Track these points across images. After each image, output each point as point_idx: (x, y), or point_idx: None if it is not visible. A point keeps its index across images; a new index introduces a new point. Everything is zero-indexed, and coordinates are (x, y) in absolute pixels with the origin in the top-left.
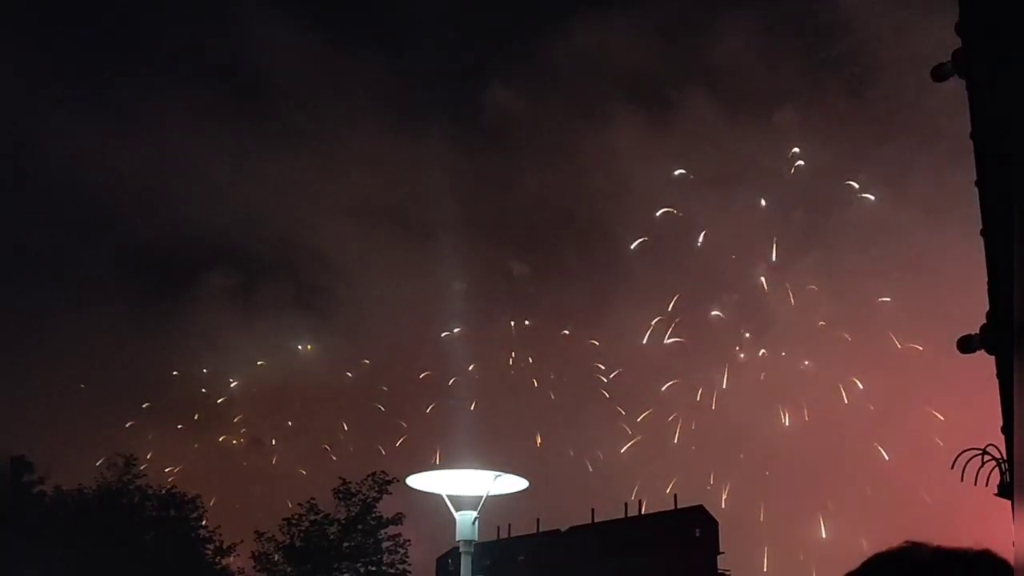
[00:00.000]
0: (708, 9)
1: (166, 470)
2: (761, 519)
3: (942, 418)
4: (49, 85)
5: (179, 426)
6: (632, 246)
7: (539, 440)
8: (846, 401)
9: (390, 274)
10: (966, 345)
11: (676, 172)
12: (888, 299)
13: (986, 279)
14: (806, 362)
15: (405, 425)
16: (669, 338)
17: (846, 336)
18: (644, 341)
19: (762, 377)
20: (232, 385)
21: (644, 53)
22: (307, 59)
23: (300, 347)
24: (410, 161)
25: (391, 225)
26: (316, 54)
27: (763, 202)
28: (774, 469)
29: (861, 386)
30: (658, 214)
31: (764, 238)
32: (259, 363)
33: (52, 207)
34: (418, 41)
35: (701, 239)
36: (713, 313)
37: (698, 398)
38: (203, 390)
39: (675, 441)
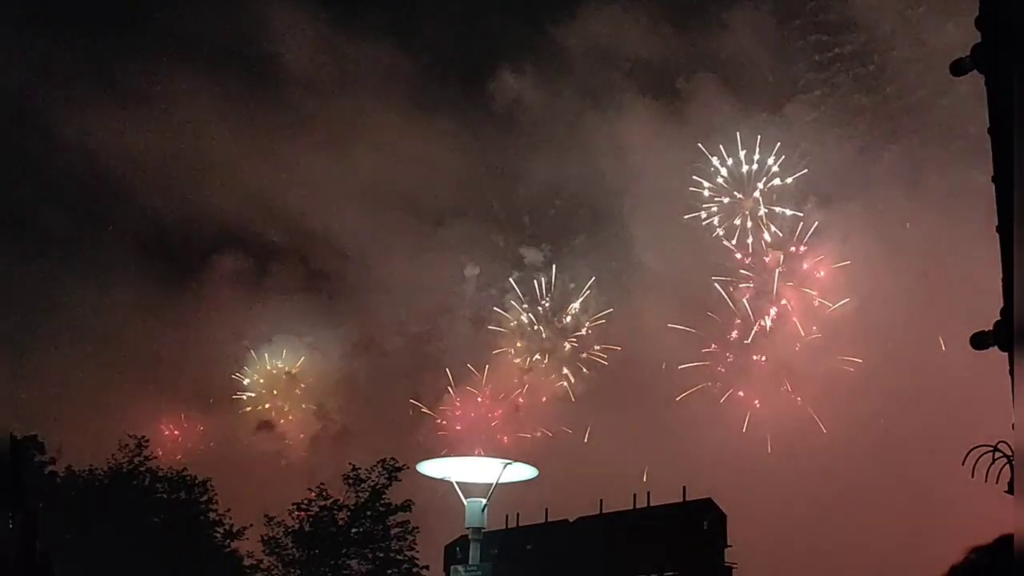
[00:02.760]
0: (719, 0)
1: (178, 458)
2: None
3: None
4: (63, 68)
5: (190, 409)
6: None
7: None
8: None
9: (401, 260)
10: (979, 342)
11: (687, 165)
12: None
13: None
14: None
15: (424, 409)
16: (681, 333)
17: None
18: (656, 332)
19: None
20: (244, 369)
21: (655, 42)
22: (317, 44)
23: (309, 337)
24: (420, 147)
25: (401, 211)
26: (326, 39)
27: (774, 196)
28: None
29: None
30: (663, 223)
31: (775, 231)
32: (270, 341)
33: (68, 189)
34: (428, 27)
35: (715, 231)
36: (715, 322)
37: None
38: (214, 373)
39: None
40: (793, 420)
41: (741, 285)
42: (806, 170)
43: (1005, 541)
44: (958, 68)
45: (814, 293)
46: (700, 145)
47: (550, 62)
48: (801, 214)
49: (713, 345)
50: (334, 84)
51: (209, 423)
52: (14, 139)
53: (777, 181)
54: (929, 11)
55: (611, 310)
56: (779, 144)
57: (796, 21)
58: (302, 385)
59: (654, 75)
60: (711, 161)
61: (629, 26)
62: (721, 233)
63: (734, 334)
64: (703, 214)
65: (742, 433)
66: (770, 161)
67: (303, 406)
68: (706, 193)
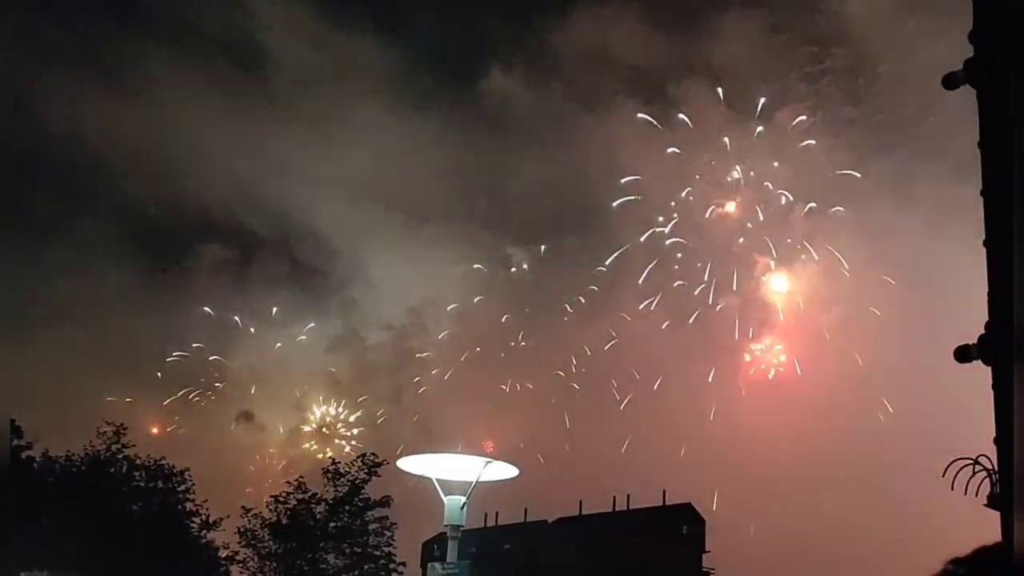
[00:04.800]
0: (712, 7)
1: (153, 454)
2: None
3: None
4: (51, 54)
5: (170, 398)
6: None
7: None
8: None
9: (386, 256)
10: (963, 355)
11: (677, 169)
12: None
13: (986, 290)
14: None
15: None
16: (667, 333)
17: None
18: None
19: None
20: (226, 360)
21: (646, 46)
22: (308, 37)
23: (299, 335)
24: (408, 144)
25: (388, 207)
26: (317, 33)
27: (762, 203)
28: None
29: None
30: (643, 238)
31: (764, 239)
32: (252, 331)
33: (55, 173)
34: (419, 25)
35: (702, 239)
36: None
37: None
38: (194, 361)
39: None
40: (776, 429)
41: (729, 291)
42: (795, 179)
43: (983, 552)
44: (951, 81)
45: (807, 303)
46: (688, 150)
47: (541, 63)
48: (794, 229)
49: (697, 352)
50: (324, 79)
51: (186, 412)
52: (3, 123)
53: (766, 188)
54: (919, 28)
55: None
56: (768, 152)
57: (788, 33)
58: (286, 377)
59: (645, 79)
60: (699, 166)
61: (621, 30)
62: (707, 239)
63: (719, 341)
64: (693, 219)
65: (725, 441)
66: (759, 168)
67: (283, 398)
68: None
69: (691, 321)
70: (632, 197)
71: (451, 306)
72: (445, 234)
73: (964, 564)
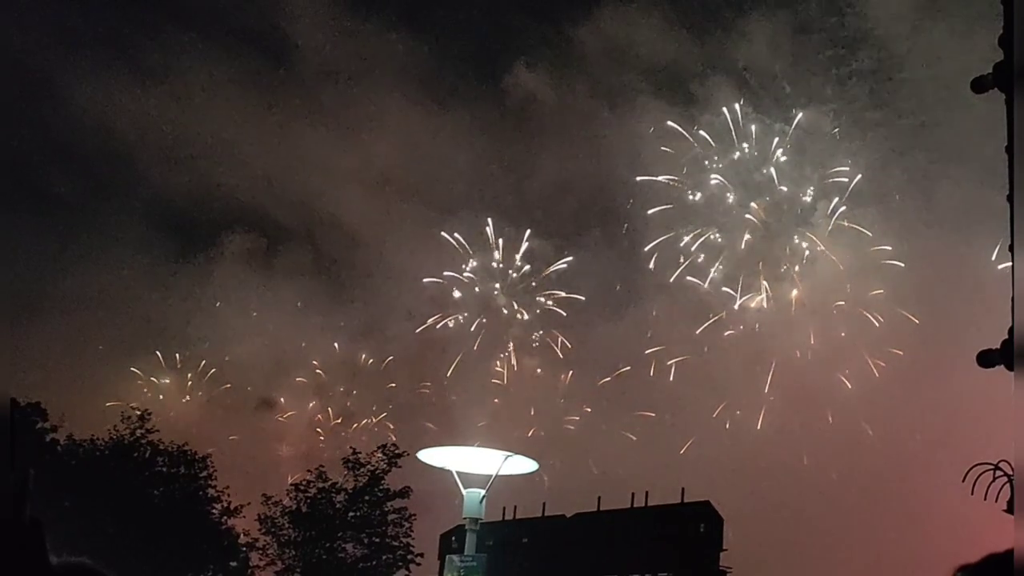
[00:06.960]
0: (736, 7)
1: (174, 441)
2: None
3: None
4: (84, 41)
5: (192, 383)
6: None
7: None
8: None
9: (409, 248)
10: (986, 359)
11: (699, 169)
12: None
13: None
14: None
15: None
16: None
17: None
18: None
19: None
20: (248, 347)
21: (670, 45)
22: (334, 29)
23: (316, 318)
24: (432, 137)
25: (411, 200)
26: (344, 26)
27: (785, 205)
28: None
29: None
30: (666, 238)
31: (786, 241)
32: (275, 322)
33: (83, 159)
34: (445, 20)
35: (725, 236)
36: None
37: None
38: (226, 357)
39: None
40: (795, 430)
41: (749, 292)
42: (818, 181)
43: (992, 560)
44: (980, 85)
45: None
46: (711, 151)
47: (565, 60)
48: (811, 237)
49: (707, 348)
50: (350, 71)
51: (210, 398)
52: (33, 108)
53: (787, 189)
54: (948, 31)
55: None
56: (793, 152)
57: (814, 34)
58: (320, 373)
59: (669, 77)
60: (722, 166)
61: (645, 28)
62: (728, 240)
63: (731, 335)
64: (714, 222)
65: (743, 440)
66: (784, 170)
67: (305, 388)
68: (696, 207)
69: (710, 318)
70: (652, 198)
71: (472, 299)
72: (467, 227)
73: (973, 572)
